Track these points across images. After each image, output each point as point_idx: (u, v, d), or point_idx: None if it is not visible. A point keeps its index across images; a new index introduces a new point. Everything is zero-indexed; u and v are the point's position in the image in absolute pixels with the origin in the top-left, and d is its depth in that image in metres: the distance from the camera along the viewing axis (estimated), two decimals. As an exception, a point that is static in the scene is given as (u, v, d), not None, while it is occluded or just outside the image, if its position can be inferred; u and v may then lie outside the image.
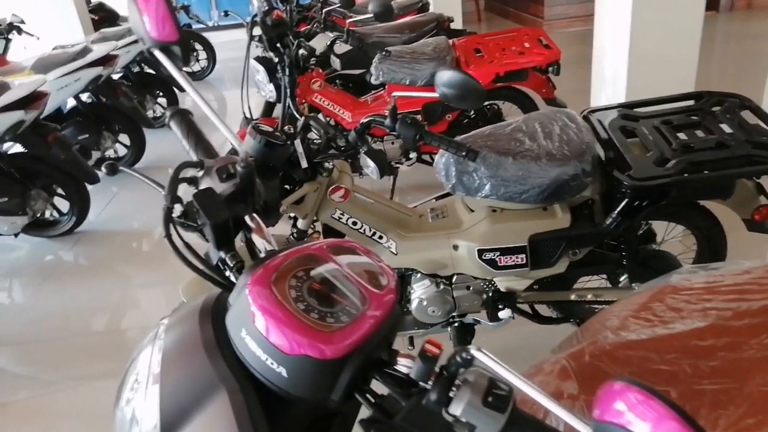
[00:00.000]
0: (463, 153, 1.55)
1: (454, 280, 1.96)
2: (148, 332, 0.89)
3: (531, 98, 3.29)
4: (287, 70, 2.16)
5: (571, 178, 1.72)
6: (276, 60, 2.44)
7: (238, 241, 0.87)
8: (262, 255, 0.88)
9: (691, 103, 1.98)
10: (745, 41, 6.26)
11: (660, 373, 0.98)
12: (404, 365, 0.77)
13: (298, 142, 1.62)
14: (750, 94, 1.98)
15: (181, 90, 4.82)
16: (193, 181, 0.92)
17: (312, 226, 1.90)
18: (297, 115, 2.12)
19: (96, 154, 4.05)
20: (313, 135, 1.78)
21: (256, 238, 0.88)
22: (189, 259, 0.84)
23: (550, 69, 3.10)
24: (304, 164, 1.64)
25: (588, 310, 2.18)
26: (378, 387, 0.77)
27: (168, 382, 0.79)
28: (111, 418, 0.88)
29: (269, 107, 3.29)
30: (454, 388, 0.71)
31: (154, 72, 4.87)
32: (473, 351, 0.66)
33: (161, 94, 5.00)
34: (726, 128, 1.80)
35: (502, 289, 1.96)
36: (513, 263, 1.84)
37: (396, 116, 1.58)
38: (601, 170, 1.79)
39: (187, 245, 0.84)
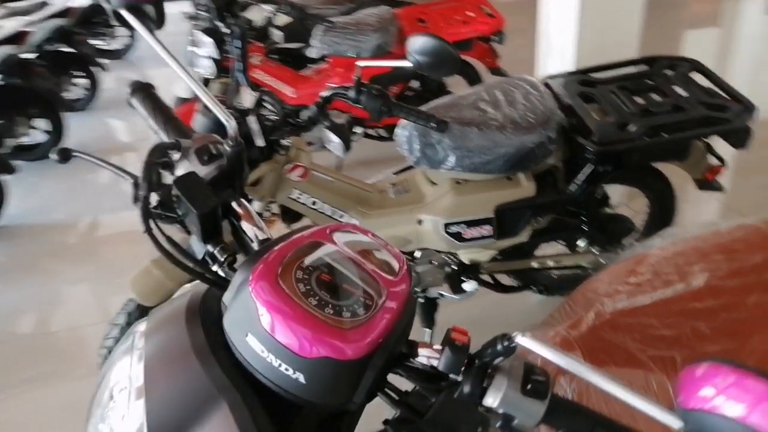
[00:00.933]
0: (433, 124, 1.48)
1: (416, 255, 1.91)
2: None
3: (475, 68, 3.26)
4: (238, 41, 2.01)
5: (537, 146, 1.70)
6: (226, 31, 2.27)
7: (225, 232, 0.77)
8: (255, 245, 0.79)
9: (644, 67, 2.00)
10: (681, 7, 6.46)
11: (663, 339, 0.96)
12: (427, 357, 0.71)
13: (253, 119, 1.51)
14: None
15: (103, 69, 4.49)
16: (167, 166, 0.81)
17: (268, 208, 1.79)
18: (251, 91, 1.98)
19: (11, 142, 3.71)
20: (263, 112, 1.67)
21: (246, 226, 0.79)
22: (175, 255, 0.74)
23: (494, 38, 3.08)
24: (261, 142, 1.53)
25: (547, 277, 2.20)
26: (397, 381, 0.71)
27: (155, 396, 0.69)
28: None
29: (205, 85, 3.10)
30: (486, 378, 0.66)
31: (72, 50, 4.50)
32: (518, 338, 0.60)
33: (81, 74, 4.64)
34: (680, 91, 1.83)
35: (466, 262, 1.93)
36: (479, 235, 1.81)
37: (361, 88, 1.50)
38: (564, 137, 1.78)
39: (170, 240, 0.74)
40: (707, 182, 1.93)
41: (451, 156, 1.72)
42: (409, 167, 2.01)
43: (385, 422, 0.68)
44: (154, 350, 0.73)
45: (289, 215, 1.84)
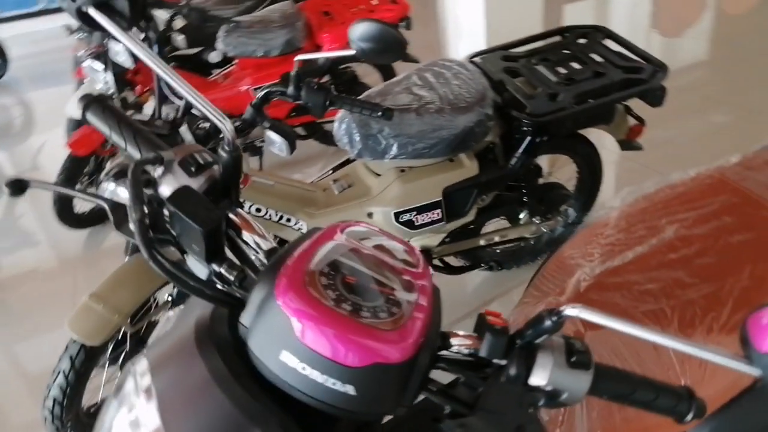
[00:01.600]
0: (378, 113, 1.45)
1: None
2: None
3: (386, 57, 3.25)
4: (157, 47, 1.87)
5: (476, 125, 1.72)
6: (141, 36, 2.10)
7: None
8: (261, 256, 0.73)
9: (558, 38, 2.07)
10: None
11: (650, 293, 1.00)
12: (460, 345, 0.69)
13: (184, 129, 1.42)
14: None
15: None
16: (150, 183, 0.73)
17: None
18: (175, 99, 1.85)
19: None
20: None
21: (248, 237, 0.72)
22: (186, 281, 0.66)
23: (401, 24, 3.08)
24: None
25: (492, 253, 2.24)
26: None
27: None
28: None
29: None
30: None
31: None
32: (567, 310, 0.59)
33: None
34: (597, 58, 1.91)
35: (418, 248, 1.92)
36: (430, 220, 1.81)
37: (300, 83, 1.44)
38: (498, 113, 1.81)
39: (175, 264, 0.66)
40: (629, 143, 2.03)
41: (393, 144, 1.70)
42: (347, 162, 1.97)
43: (435, 420, 0.65)
44: (167, 386, 0.65)
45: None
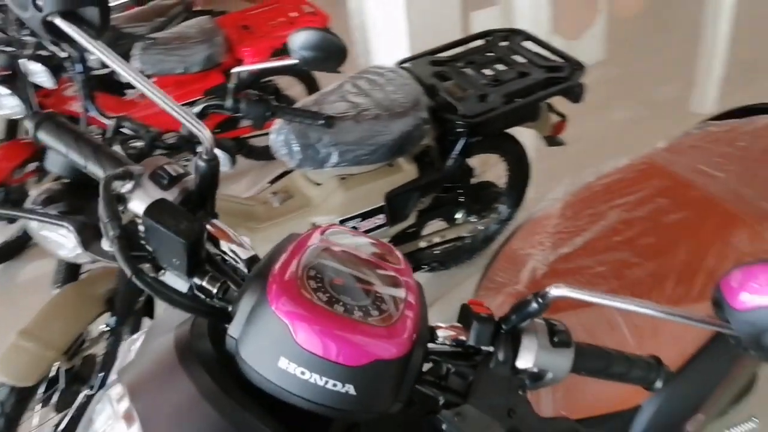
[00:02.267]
0: (320, 121, 1.45)
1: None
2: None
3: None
4: (80, 65, 1.76)
5: (413, 129, 1.75)
6: (64, 55, 1.96)
7: None
8: (241, 266, 0.71)
9: (480, 42, 2.15)
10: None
11: (601, 275, 1.06)
12: (446, 336, 0.70)
13: (117, 148, 1.36)
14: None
15: None
16: (120, 200, 0.69)
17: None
18: (104, 119, 1.76)
19: None
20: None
21: (226, 247, 0.71)
22: (173, 297, 0.63)
23: (322, 35, 3.09)
24: None
25: (432, 254, 2.28)
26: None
27: None
28: None
29: (11, 127, 2.70)
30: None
31: None
32: (552, 291, 0.62)
33: None
34: (519, 59, 2.00)
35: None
36: (375, 225, 1.82)
37: (238, 96, 1.41)
38: (432, 116, 1.85)
39: (159, 282, 0.63)
40: (554, 139, 2.14)
41: (333, 153, 1.70)
42: (284, 174, 1.95)
43: (430, 412, 0.66)
44: (151, 408, 0.63)
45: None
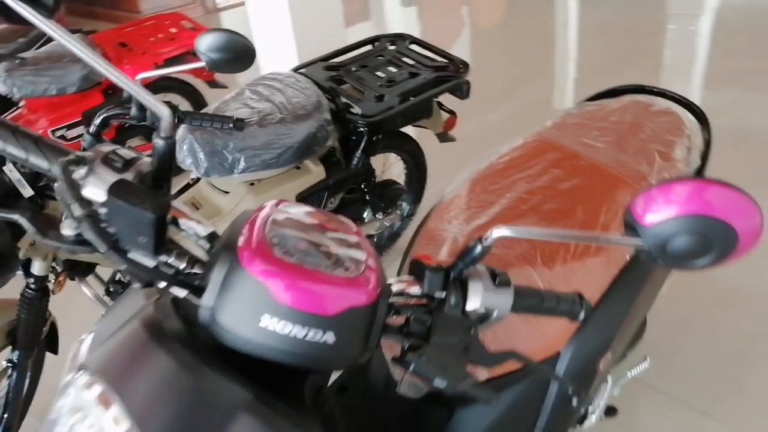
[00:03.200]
0: (230, 125, 1.46)
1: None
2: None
3: (192, 84, 3.19)
4: None
5: (317, 130, 1.80)
6: None
7: None
8: (202, 243, 0.72)
9: (369, 47, 2.25)
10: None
11: (515, 239, 1.17)
12: (402, 289, 0.76)
13: (10, 167, 1.28)
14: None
15: None
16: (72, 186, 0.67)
17: (53, 268, 1.53)
18: None
19: None
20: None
21: (187, 225, 0.71)
22: (153, 270, 0.64)
23: (205, 50, 3.05)
24: (28, 192, 1.31)
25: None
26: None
27: None
28: None
29: None
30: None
31: None
32: (494, 232, 0.69)
33: None
34: (408, 61, 2.12)
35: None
36: (287, 228, 1.84)
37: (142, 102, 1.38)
38: (334, 118, 1.92)
39: (132, 260, 0.63)
40: (446, 135, 2.28)
41: (240, 158, 1.70)
42: (188, 185, 1.92)
43: (396, 359, 0.71)
44: (128, 387, 0.63)
45: (79, 268, 1.60)
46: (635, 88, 1.54)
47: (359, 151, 1.92)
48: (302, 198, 1.83)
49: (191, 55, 3.04)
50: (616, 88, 1.57)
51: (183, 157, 1.69)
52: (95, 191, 0.66)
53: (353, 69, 2.08)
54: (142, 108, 1.39)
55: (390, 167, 2.39)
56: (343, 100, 1.91)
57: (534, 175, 1.29)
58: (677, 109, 1.46)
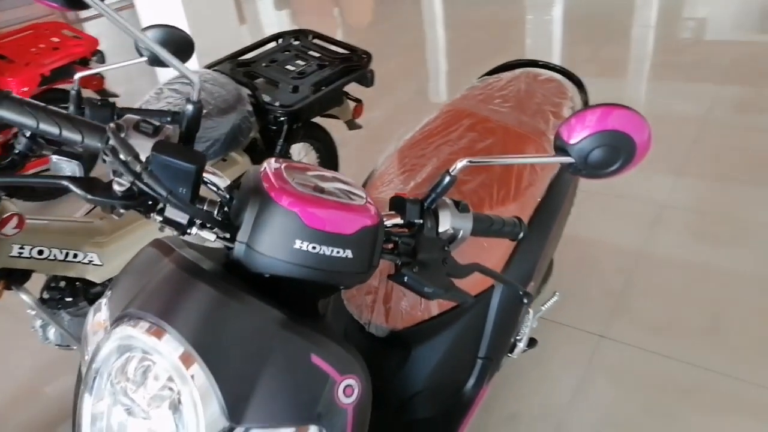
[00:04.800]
0: (168, 118, 1.52)
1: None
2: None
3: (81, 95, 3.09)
4: None
5: (242, 122, 1.89)
6: None
7: None
8: (222, 193, 0.83)
9: (274, 44, 2.36)
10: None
11: (450, 194, 1.36)
12: (389, 221, 0.91)
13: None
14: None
15: None
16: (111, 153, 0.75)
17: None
18: None
19: None
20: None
21: (208, 178, 0.82)
22: (204, 212, 0.74)
23: (94, 58, 2.98)
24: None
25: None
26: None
27: (222, 369, 0.72)
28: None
29: None
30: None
31: None
32: (458, 165, 0.87)
33: None
34: (314, 54, 2.26)
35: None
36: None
37: (81, 102, 1.41)
38: (254, 110, 2.01)
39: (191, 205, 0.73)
40: (353, 123, 2.45)
41: (170, 154, 1.75)
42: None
43: (391, 276, 0.87)
44: (184, 318, 0.73)
45: (15, 276, 1.58)
46: (525, 63, 1.80)
47: (281, 140, 2.03)
48: (232, 189, 1.91)
49: (78, 64, 2.96)
50: (508, 63, 1.82)
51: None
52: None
53: (264, 64, 2.19)
54: (79, 105, 1.42)
55: (302, 159, 2.51)
56: (261, 92, 2.01)
57: (454, 139, 1.49)
58: (559, 78, 1.74)
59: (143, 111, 1.50)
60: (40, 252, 1.59)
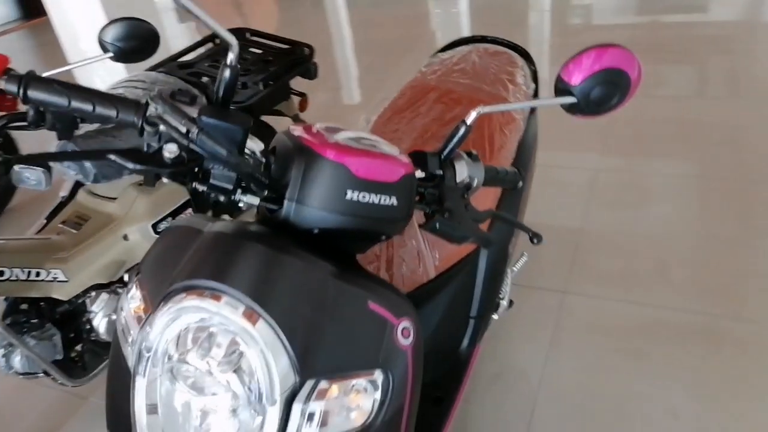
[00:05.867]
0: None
1: (125, 279, 1.82)
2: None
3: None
4: None
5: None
6: None
7: None
8: (257, 156, 0.83)
9: (211, 44, 2.32)
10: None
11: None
12: None
13: None
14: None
15: None
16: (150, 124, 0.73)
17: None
18: None
19: None
20: None
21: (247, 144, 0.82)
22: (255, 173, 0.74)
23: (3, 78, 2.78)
24: None
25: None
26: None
27: (287, 322, 0.74)
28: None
29: None
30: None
31: None
32: (473, 114, 0.91)
33: None
34: (255, 50, 2.25)
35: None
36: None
37: (40, 108, 1.33)
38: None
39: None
40: (299, 118, 2.44)
41: (128, 159, 1.69)
42: (60, 204, 1.83)
43: (422, 225, 0.90)
44: (241, 277, 0.73)
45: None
46: (474, 39, 1.89)
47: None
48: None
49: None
50: (459, 40, 1.90)
51: (66, 168, 1.63)
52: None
53: (207, 65, 2.15)
54: (40, 111, 1.34)
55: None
56: (212, 91, 1.97)
57: (424, 112, 1.54)
58: (505, 50, 1.84)
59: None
60: (1, 273, 1.48)
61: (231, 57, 0.77)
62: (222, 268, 0.75)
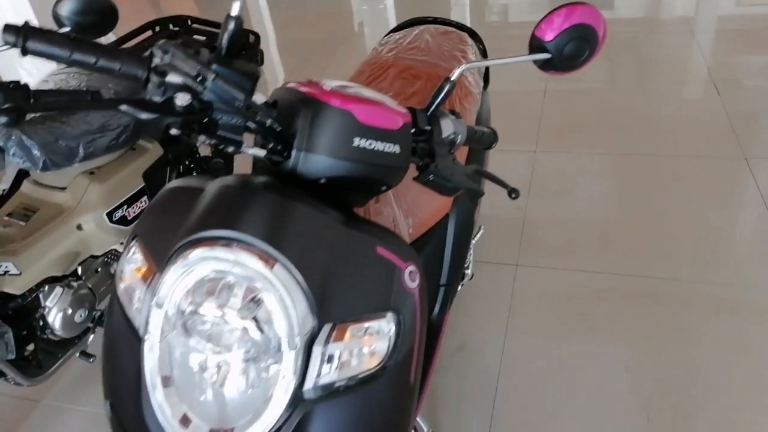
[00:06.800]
0: (88, 97, 1.41)
1: (79, 272, 1.74)
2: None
3: None
4: None
5: (149, 106, 1.79)
6: None
7: None
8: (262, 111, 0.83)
9: (149, 32, 2.25)
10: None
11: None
12: None
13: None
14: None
15: None
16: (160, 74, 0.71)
17: None
18: None
19: None
20: None
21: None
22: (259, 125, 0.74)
23: None
24: None
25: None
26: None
27: (305, 264, 0.75)
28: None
29: None
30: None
31: None
32: (455, 72, 0.96)
33: None
34: (199, 38, 2.20)
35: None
36: (141, 209, 1.81)
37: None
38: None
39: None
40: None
41: (79, 146, 1.62)
42: (3, 198, 1.73)
43: (417, 177, 0.93)
44: (255, 224, 0.74)
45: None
46: (423, 20, 1.94)
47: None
48: (150, 175, 1.81)
49: None
50: (409, 21, 1.95)
51: (13, 157, 1.54)
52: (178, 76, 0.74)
53: (145, 54, 2.08)
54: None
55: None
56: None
57: (386, 87, 1.57)
58: (454, 30, 1.90)
59: (62, 92, 1.37)
60: (-52, 270, 1.39)
61: (236, 7, 0.77)
62: (234, 216, 0.75)
